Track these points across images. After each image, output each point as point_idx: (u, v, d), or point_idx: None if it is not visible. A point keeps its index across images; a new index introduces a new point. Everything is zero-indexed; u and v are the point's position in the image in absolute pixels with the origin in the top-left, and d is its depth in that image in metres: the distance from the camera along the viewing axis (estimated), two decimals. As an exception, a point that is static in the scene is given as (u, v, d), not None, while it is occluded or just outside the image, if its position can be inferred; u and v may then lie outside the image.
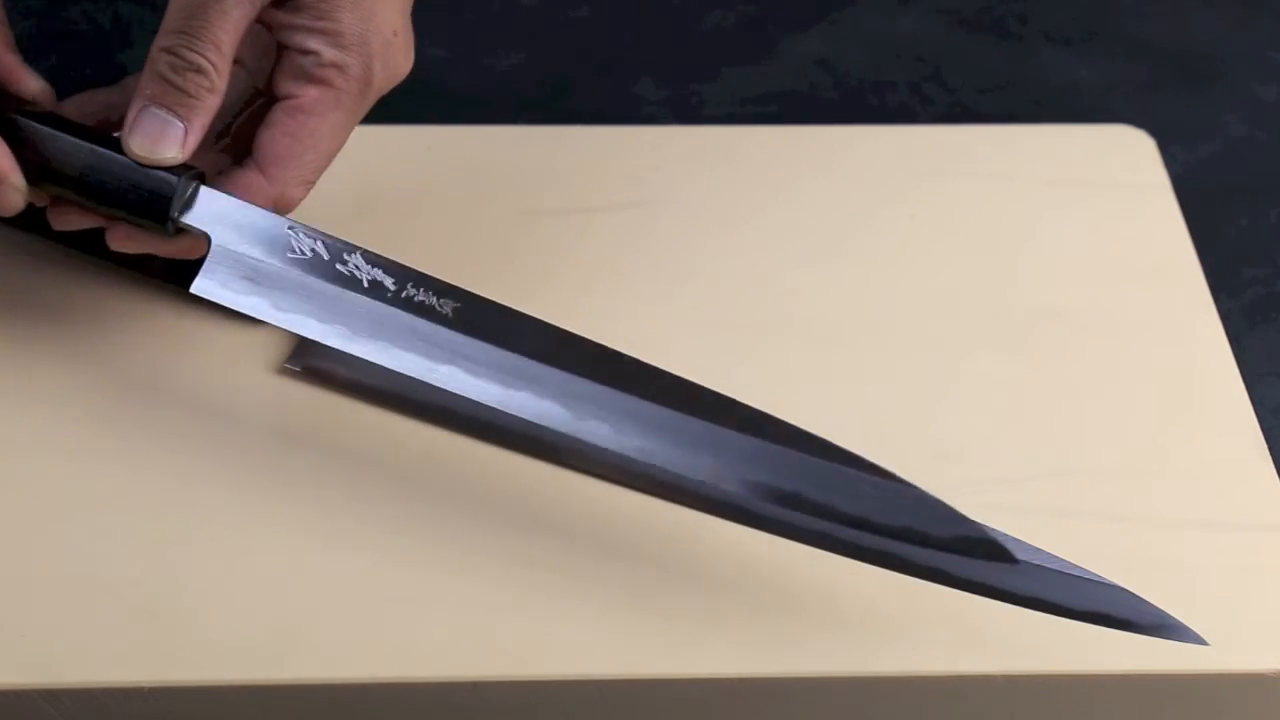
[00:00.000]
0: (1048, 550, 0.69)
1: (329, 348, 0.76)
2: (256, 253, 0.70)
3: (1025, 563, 0.69)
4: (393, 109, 0.77)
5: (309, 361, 0.76)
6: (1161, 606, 0.68)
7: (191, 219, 0.71)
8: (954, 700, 0.68)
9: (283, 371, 0.76)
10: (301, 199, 0.73)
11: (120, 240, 0.73)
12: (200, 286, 0.71)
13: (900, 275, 0.82)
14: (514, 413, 0.69)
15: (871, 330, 0.79)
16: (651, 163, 0.87)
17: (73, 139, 0.71)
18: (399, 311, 0.70)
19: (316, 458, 0.73)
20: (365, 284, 0.70)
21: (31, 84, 0.74)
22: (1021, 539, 0.69)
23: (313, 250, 0.70)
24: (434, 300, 0.70)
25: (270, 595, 0.68)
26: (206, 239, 0.71)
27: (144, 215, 0.71)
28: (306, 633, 0.67)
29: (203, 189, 0.71)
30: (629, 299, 0.80)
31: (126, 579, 0.69)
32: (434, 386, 0.74)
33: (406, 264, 0.71)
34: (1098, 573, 0.69)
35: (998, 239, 0.84)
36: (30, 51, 0.83)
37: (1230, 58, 1.02)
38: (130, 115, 0.70)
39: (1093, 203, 0.86)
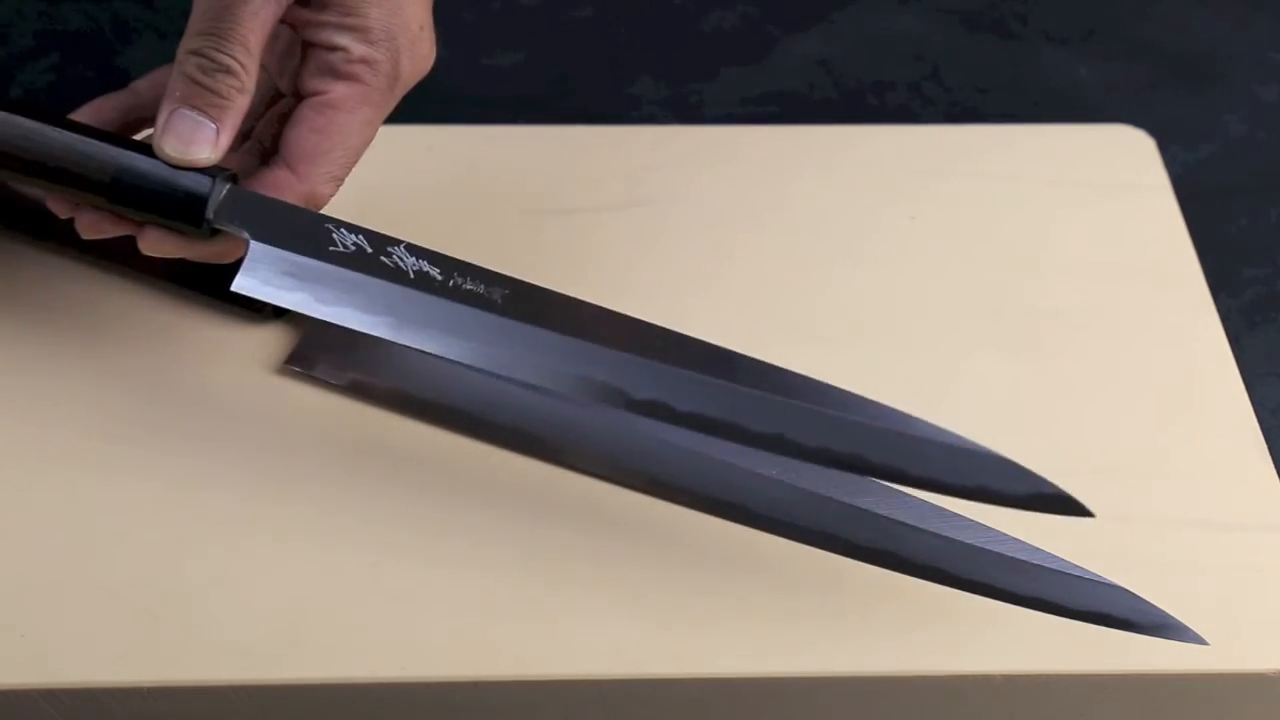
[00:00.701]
0: (1048, 550, 0.69)
1: (329, 348, 0.76)
2: (297, 249, 0.70)
3: (1027, 561, 0.69)
4: (393, 109, 0.77)
5: (309, 361, 0.76)
6: (1161, 606, 0.68)
7: (227, 220, 0.71)
8: (954, 700, 0.68)
9: (283, 371, 0.76)
10: (331, 195, 0.73)
11: (153, 244, 0.72)
12: (241, 284, 0.70)
13: (900, 275, 0.82)
14: (570, 393, 0.68)
15: (871, 330, 0.79)
16: (651, 163, 0.87)
17: (100, 143, 0.71)
18: (449, 301, 0.69)
19: (316, 457, 0.73)
20: (411, 275, 0.70)
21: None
22: (1022, 539, 0.69)
23: (355, 244, 0.70)
24: (483, 288, 0.70)
25: (270, 595, 0.68)
26: (244, 239, 0.70)
27: (179, 218, 0.71)
28: (306, 633, 0.67)
29: (235, 189, 0.71)
30: (629, 299, 0.80)
31: (126, 579, 0.69)
32: (433, 386, 0.74)
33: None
34: (1098, 573, 0.69)
35: (998, 239, 0.84)
36: (30, 51, 0.83)
37: (1230, 58, 1.02)
38: (161, 118, 0.70)
39: (1092, 203, 0.86)
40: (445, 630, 0.68)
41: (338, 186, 0.73)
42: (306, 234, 0.70)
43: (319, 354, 0.76)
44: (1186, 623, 0.67)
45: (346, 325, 0.70)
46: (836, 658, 0.68)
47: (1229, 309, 0.84)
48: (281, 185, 0.71)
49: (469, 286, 0.69)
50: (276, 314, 0.78)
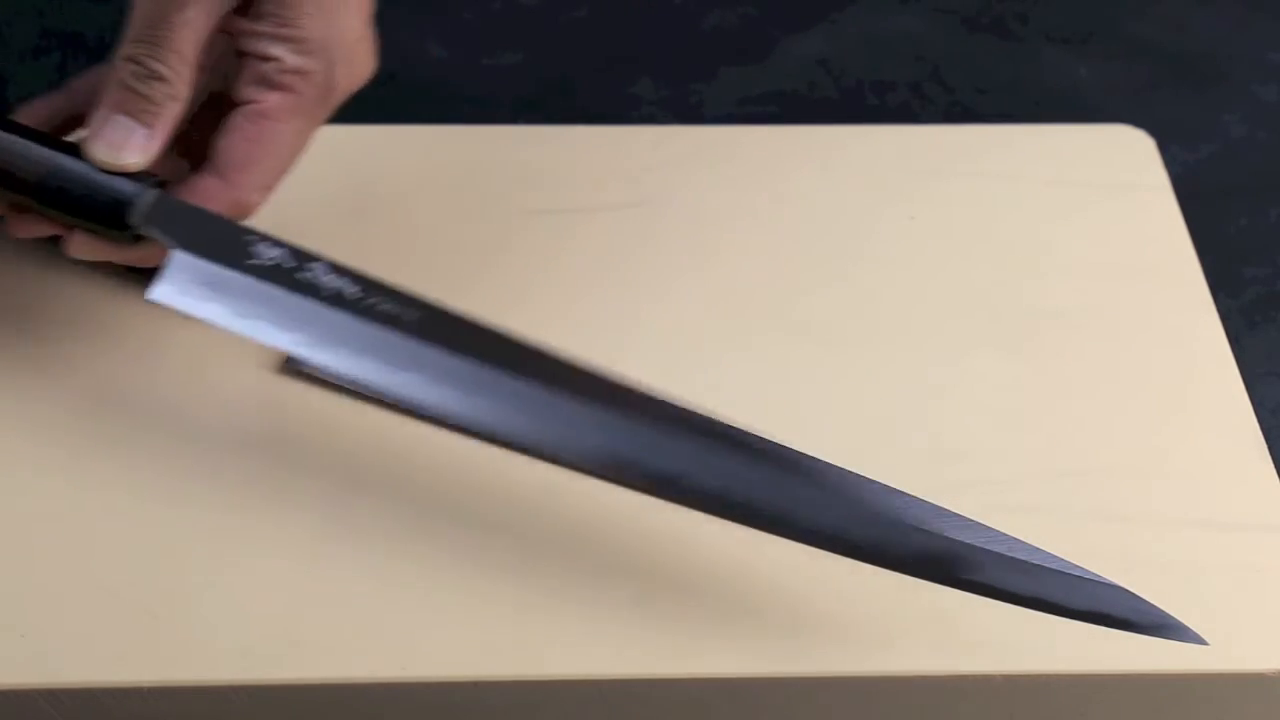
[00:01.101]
0: (1048, 550, 0.69)
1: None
2: (216, 260, 0.70)
3: (1025, 562, 0.69)
4: (393, 109, 0.77)
5: (309, 361, 0.76)
6: (1161, 606, 0.68)
7: (150, 227, 0.71)
8: (954, 700, 0.68)
9: (283, 371, 0.76)
10: (260, 205, 0.73)
11: (78, 248, 0.73)
12: (158, 293, 0.70)
13: (900, 275, 0.82)
14: (475, 426, 0.68)
15: (871, 330, 0.79)
16: (651, 163, 0.87)
17: (31, 144, 0.71)
18: (362, 320, 0.69)
19: (316, 457, 0.73)
20: (327, 293, 0.69)
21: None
22: (1022, 539, 0.69)
23: (274, 259, 0.70)
24: (399, 310, 0.69)
25: (270, 595, 0.68)
26: (165, 246, 0.70)
27: (103, 223, 0.71)
28: (306, 633, 0.67)
29: (161, 195, 0.71)
30: (628, 298, 0.80)
31: (126, 579, 0.69)
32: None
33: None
34: (1098, 573, 0.69)
35: (997, 239, 0.84)
36: (31, 51, 0.83)
37: (1230, 58, 1.02)
38: (94, 123, 0.71)
39: (1093, 203, 0.86)
40: (445, 630, 0.68)
41: (267, 195, 0.73)
42: (228, 245, 0.70)
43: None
44: (1186, 623, 0.67)
45: (261, 341, 0.70)
46: (836, 658, 0.68)
47: (1229, 309, 0.84)
48: (211, 192, 0.72)
49: (385, 307, 0.69)
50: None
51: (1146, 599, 0.68)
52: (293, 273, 0.70)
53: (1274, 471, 0.74)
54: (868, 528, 0.71)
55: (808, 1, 1.04)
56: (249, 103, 0.72)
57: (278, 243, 0.70)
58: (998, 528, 0.69)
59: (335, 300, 0.69)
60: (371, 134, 0.85)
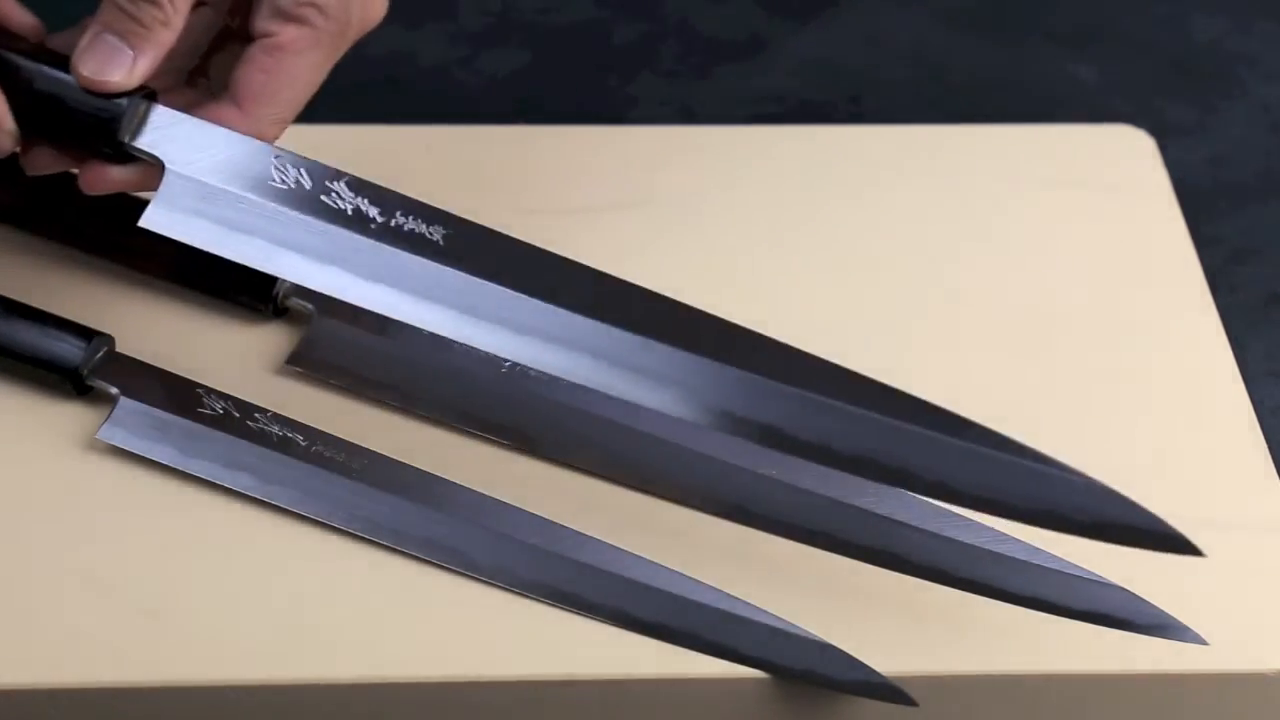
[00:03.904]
0: (1048, 550, 0.69)
1: (331, 348, 0.76)
2: (220, 179, 0.69)
3: (1027, 561, 0.69)
4: (393, 109, 0.77)
5: (310, 362, 0.76)
6: (1161, 606, 0.68)
7: (145, 142, 0.70)
8: (954, 700, 0.68)
9: (283, 371, 0.76)
10: (276, 137, 0.72)
11: (43, 163, 0.71)
12: (151, 218, 0.69)
13: (900, 275, 0.82)
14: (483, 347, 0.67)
15: (871, 330, 0.79)
16: (651, 163, 0.87)
17: (28, 62, 0.70)
18: (386, 243, 0.68)
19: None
20: (349, 213, 0.69)
21: (22, 19, 0.73)
22: (1022, 539, 0.69)
23: (296, 180, 0.69)
24: (424, 228, 0.68)
25: (270, 595, 0.68)
26: (159, 165, 0.70)
27: (92, 137, 0.70)
28: (306, 633, 0.67)
29: (161, 109, 0.70)
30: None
31: (126, 579, 0.69)
32: (434, 386, 0.74)
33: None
34: (1098, 573, 0.69)
35: (997, 239, 0.84)
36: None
37: (1230, 58, 1.02)
38: (83, 40, 0.70)
39: (1093, 203, 0.86)
40: (445, 630, 0.68)
41: (283, 129, 0.72)
42: (244, 162, 0.69)
43: (320, 354, 0.76)
44: (1186, 623, 0.67)
45: (277, 274, 0.69)
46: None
47: (1229, 309, 0.84)
48: (226, 120, 0.71)
49: (409, 226, 0.69)
50: (277, 314, 0.78)
51: (1146, 599, 0.68)
52: (315, 194, 0.68)
53: (1274, 471, 0.74)
54: (867, 528, 0.71)
55: (808, 1, 1.04)
56: (266, 35, 0.72)
57: (300, 161, 0.69)
58: (997, 528, 0.69)
59: (356, 221, 0.68)
60: (372, 134, 0.85)
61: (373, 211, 0.68)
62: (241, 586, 0.69)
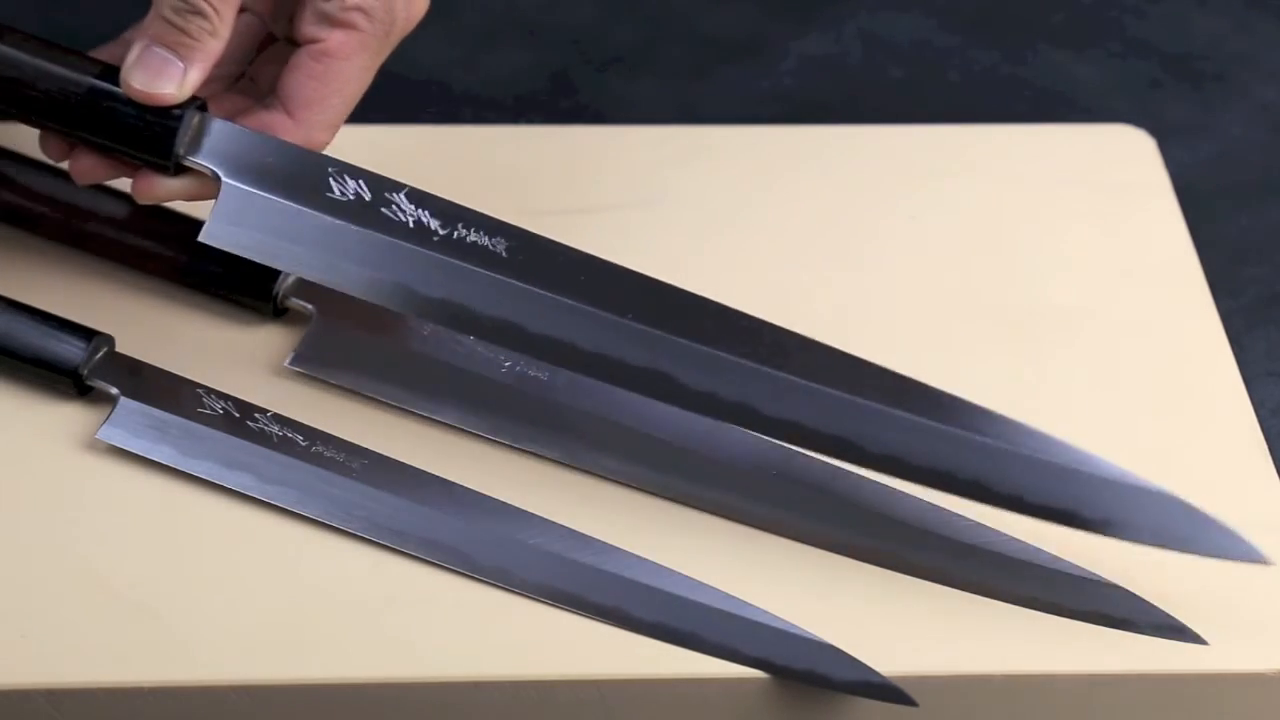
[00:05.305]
0: (1048, 550, 0.69)
1: (332, 348, 0.76)
2: (278, 193, 0.69)
3: (1027, 561, 0.69)
4: (393, 109, 0.77)
5: (312, 362, 0.76)
6: (1161, 606, 0.68)
7: (201, 155, 0.70)
8: (954, 700, 0.68)
9: (283, 371, 0.76)
10: (328, 142, 0.72)
11: (88, 171, 0.72)
12: (210, 232, 0.69)
13: (900, 275, 0.82)
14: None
15: (871, 330, 0.79)
16: (651, 163, 0.87)
17: (78, 75, 0.71)
18: (450, 256, 0.68)
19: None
20: (411, 226, 0.69)
21: None
22: (1022, 539, 0.69)
23: (356, 192, 0.69)
24: (485, 238, 0.69)
25: (270, 595, 0.68)
26: (214, 177, 0.70)
27: (147, 150, 0.70)
28: (306, 633, 0.67)
29: (217, 122, 0.70)
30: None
31: (126, 579, 0.69)
32: (435, 386, 0.74)
33: None
34: (1098, 573, 0.69)
35: (998, 239, 0.84)
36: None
37: (1230, 58, 1.02)
38: (132, 54, 0.70)
39: (1093, 203, 0.86)
40: (445, 630, 0.68)
41: (334, 134, 0.73)
42: (301, 175, 0.69)
43: (321, 354, 0.76)
44: (1186, 623, 0.67)
45: (342, 288, 0.69)
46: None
47: (1229, 309, 0.84)
48: (277, 128, 0.71)
49: (472, 239, 0.69)
50: (277, 314, 0.78)
51: (1146, 599, 0.68)
52: (375, 207, 0.68)
53: (1274, 471, 0.74)
54: (867, 527, 0.71)
55: (808, 1, 1.04)
56: (312, 41, 0.72)
57: (358, 173, 0.69)
58: (998, 528, 0.69)
59: (419, 234, 0.68)
60: (372, 134, 0.85)
61: (434, 224, 0.69)
62: (241, 586, 0.69)
